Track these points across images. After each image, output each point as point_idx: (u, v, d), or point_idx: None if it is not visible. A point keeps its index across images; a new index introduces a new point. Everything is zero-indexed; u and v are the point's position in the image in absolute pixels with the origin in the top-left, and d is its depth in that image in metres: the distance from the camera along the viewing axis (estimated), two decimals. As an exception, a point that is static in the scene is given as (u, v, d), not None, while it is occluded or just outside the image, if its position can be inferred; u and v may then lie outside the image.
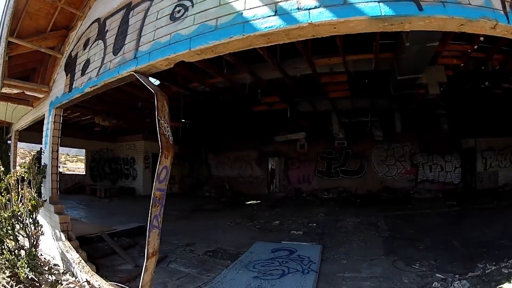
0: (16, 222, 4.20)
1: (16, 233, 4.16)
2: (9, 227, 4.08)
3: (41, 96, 6.72)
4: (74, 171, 23.32)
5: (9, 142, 10.03)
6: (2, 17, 5.00)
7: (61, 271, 4.49)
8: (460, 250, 5.50)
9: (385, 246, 6.12)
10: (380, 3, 2.35)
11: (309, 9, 2.49)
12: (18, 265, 3.72)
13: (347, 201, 13.33)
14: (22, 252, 4.05)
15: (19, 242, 4.17)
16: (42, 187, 5.64)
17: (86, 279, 4.02)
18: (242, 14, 2.76)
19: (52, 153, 5.67)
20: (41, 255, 4.79)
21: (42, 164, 5.72)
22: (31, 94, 6.67)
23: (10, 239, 4.11)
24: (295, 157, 16.77)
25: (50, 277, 4.03)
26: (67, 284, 3.94)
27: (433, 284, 4.20)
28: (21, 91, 6.43)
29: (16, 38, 5.34)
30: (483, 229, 6.66)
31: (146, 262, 3.13)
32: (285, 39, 2.69)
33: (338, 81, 8.97)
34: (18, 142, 9.92)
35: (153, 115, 10.99)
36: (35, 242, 4.24)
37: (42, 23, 5.63)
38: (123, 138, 16.52)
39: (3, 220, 4.06)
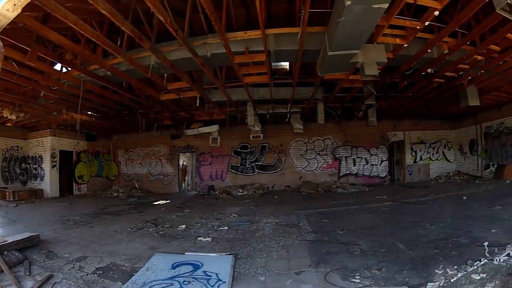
0: None
1: None
2: None
3: None
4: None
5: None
6: None
7: None
8: (407, 253, 4.52)
9: (312, 253, 4.93)
10: None
11: None
12: None
13: (264, 199, 12.39)
14: None
15: None
16: None
17: None
18: None
19: None
20: None
21: None
22: None
23: None
24: (207, 152, 15.87)
25: None
26: None
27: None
28: None
29: None
30: (426, 225, 5.90)
31: None
32: None
33: (255, 62, 7.62)
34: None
35: (59, 107, 8.48)
36: None
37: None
38: (31, 135, 14.49)
39: None
